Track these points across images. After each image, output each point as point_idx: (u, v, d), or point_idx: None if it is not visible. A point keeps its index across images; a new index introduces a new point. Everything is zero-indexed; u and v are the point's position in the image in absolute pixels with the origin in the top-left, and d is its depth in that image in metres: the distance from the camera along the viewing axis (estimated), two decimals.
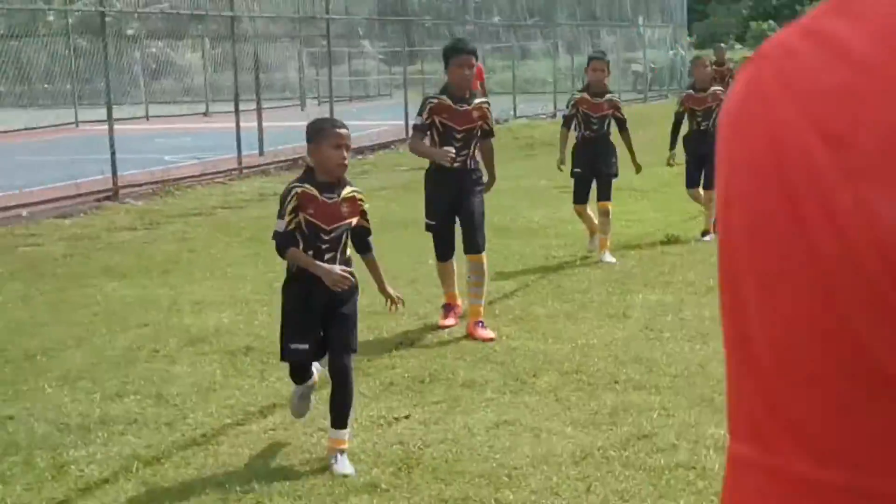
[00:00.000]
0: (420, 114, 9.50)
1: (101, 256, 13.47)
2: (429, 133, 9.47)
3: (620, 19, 39.08)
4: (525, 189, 18.07)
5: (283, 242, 6.49)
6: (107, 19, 19.23)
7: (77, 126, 33.03)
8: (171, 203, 17.90)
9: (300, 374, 6.74)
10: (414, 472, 6.30)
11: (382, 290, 6.94)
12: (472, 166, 9.59)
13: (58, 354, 9.05)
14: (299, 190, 6.48)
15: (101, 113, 32.31)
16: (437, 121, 9.35)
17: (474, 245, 9.52)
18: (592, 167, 12.34)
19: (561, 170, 12.74)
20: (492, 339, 9.00)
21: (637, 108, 32.45)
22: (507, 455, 6.54)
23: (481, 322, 9.23)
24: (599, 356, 8.39)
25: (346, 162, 6.51)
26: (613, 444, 6.62)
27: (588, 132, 12.42)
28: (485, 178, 9.80)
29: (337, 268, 6.39)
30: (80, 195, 17.69)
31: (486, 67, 28.32)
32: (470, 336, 9.12)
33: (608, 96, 12.50)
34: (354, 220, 6.63)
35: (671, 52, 44.69)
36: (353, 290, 6.56)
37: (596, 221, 12.41)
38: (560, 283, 11.08)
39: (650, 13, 41.83)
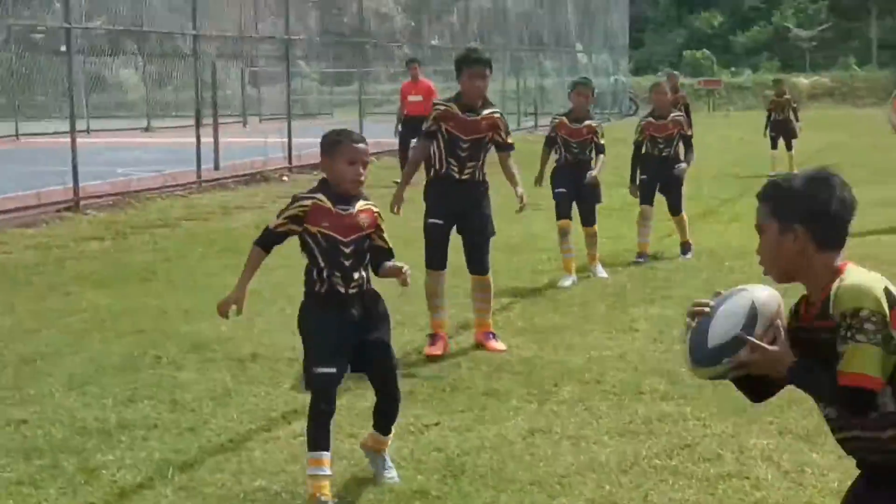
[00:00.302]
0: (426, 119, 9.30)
1: (74, 265, 13.22)
2: (435, 141, 8.98)
3: (563, 45, 39.28)
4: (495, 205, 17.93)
5: (265, 239, 6.10)
6: (41, 36, 19.00)
7: (18, 139, 32.55)
8: (133, 214, 17.63)
9: (326, 402, 5.91)
10: (461, 480, 6.16)
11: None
12: (480, 178, 9.12)
13: (56, 360, 8.82)
14: (309, 202, 5.96)
15: (43, 126, 32.33)
16: (443, 128, 8.94)
17: (480, 266, 9.17)
18: (574, 188, 12.07)
19: (536, 186, 12.35)
20: (503, 351, 8.89)
21: None
22: (552, 463, 6.43)
23: (492, 333, 9.10)
24: (617, 367, 8.31)
25: (363, 179, 6.03)
26: (657, 453, 6.52)
27: (569, 156, 12.22)
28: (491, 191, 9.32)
29: (232, 297, 5.99)
30: (40, 205, 17.36)
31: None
32: (481, 346, 9.00)
33: (587, 122, 12.21)
34: (371, 232, 6.09)
35: (612, 78, 45.05)
36: (385, 313, 6.17)
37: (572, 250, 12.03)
38: (555, 297, 11.02)
39: (594, 39, 42.14)
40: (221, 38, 27.52)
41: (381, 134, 26.94)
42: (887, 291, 3.40)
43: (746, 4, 75.11)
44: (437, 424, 7.10)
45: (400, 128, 22.22)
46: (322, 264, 5.98)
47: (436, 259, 9.11)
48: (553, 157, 12.41)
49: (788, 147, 23.54)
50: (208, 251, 14.09)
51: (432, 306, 9.10)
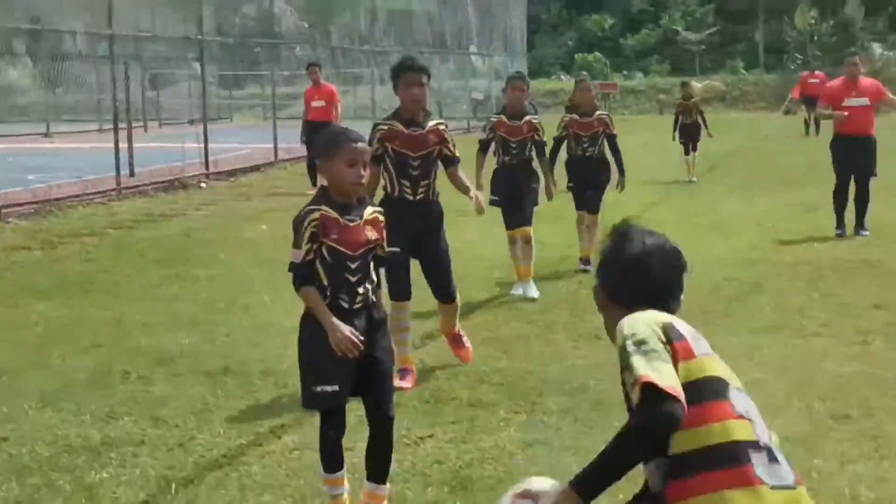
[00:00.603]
0: (370, 143, 8.72)
1: (10, 276, 12.93)
2: (382, 164, 8.40)
3: (464, 47, 39.36)
4: None
5: (303, 276, 5.53)
6: None
7: None
8: (56, 223, 17.33)
9: (335, 421, 5.64)
10: (471, 491, 6.15)
11: None
12: (434, 198, 8.55)
13: (21, 375, 8.63)
14: (317, 214, 5.52)
15: None
16: (389, 149, 8.35)
17: (446, 293, 8.66)
18: (512, 194, 11.58)
19: (471, 197, 11.65)
20: (468, 352, 8.84)
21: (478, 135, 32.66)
22: (558, 473, 6.42)
23: (461, 334, 8.92)
24: (595, 377, 8.31)
25: (364, 181, 5.64)
26: None
27: (507, 157, 11.74)
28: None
29: (347, 329, 5.45)
30: None
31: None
32: (451, 348, 8.92)
33: (527, 118, 11.66)
34: (378, 243, 5.76)
35: None
36: (388, 330, 5.85)
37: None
38: (514, 306, 11.04)
39: (493, 41, 42.33)
40: (125, 39, 27.03)
41: (288, 139, 26.80)
42: (666, 326, 3.43)
43: (635, 7, 76.00)
44: (430, 436, 7.06)
45: (302, 134, 21.93)
46: (325, 282, 5.55)
47: (401, 290, 8.46)
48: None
49: (694, 149, 23.78)
50: (143, 261, 13.88)
51: (399, 340, 8.13)
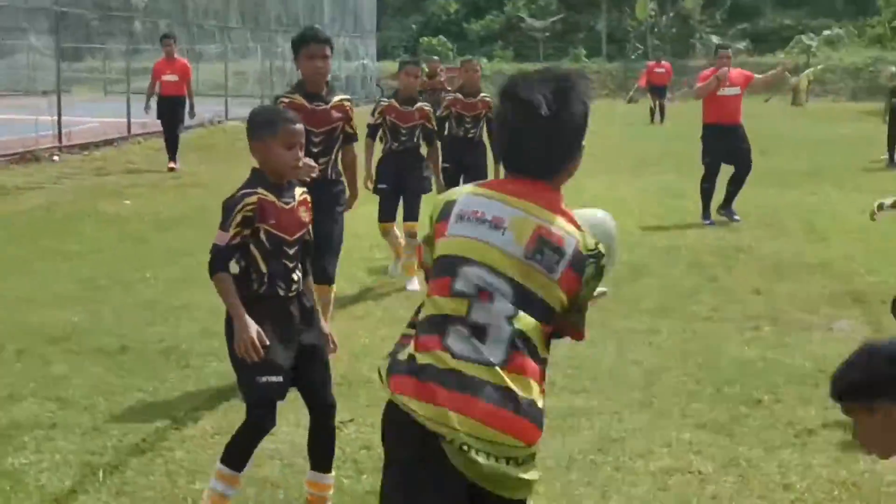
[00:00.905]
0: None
1: None
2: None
3: (294, 25, 38.46)
4: None
5: (221, 260, 5.25)
6: None
7: None
8: None
9: (268, 418, 5.33)
10: None
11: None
12: (334, 177, 8.29)
13: None
14: (254, 198, 5.28)
15: None
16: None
17: (325, 275, 8.06)
18: (399, 182, 11.18)
19: (368, 188, 10.98)
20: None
21: None
22: None
23: None
24: None
25: (301, 164, 5.52)
26: (587, 448, 6.55)
27: (395, 143, 11.21)
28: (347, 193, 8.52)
29: (255, 331, 5.13)
30: None
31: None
32: None
33: (419, 105, 11.25)
34: (308, 226, 5.61)
35: (359, 62, 45.00)
36: (319, 318, 5.68)
37: (402, 242, 11.31)
38: (410, 296, 10.93)
39: (344, 23, 42.03)
40: None
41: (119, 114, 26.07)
42: (446, 203, 3.57)
43: None
44: (351, 421, 6.94)
45: (153, 106, 21.22)
46: (263, 269, 5.33)
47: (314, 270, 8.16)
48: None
49: None
50: (7, 234, 13.37)
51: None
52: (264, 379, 5.24)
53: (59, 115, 22.68)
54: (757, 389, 7.73)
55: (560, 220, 3.45)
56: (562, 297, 3.45)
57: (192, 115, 21.43)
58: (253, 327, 5.13)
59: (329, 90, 8.19)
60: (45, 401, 7.21)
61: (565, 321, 3.56)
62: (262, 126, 5.47)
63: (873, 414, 3.14)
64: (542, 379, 3.46)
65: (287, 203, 5.43)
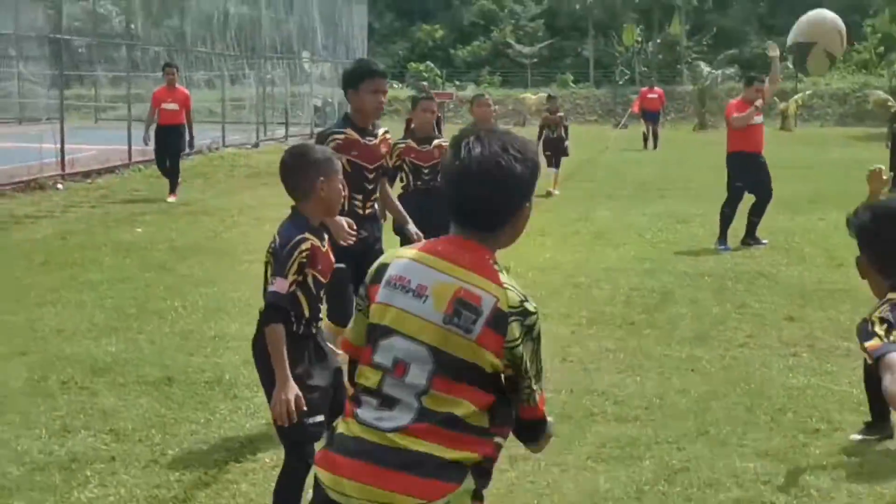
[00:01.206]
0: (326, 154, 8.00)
1: None
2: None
3: (288, 52, 38.36)
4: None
5: (282, 310, 5.18)
6: None
7: None
8: None
9: (313, 456, 5.08)
10: None
11: None
12: (378, 213, 8.20)
13: None
14: (308, 244, 5.26)
15: None
16: (344, 160, 7.91)
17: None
18: (424, 223, 9.56)
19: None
20: None
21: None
22: (558, 491, 6.33)
23: None
24: (548, 388, 8.25)
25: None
26: (654, 479, 6.51)
27: (419, 183, 10.39)
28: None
29: (293, 392, 5.09)
30: None
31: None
32: None
33: (437, 142, 10.49)
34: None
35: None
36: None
37: None
38: None
39: (336, 49, 41.95)
40: None
41: (115, 141, 25.86)
42: (378, 267, 3.57)
43: (466, 19, 76.61)
44: None
45: (152, 136, 20.88)
46: (307, 313, 5.33)
47: (339, 311, 7.49)
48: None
49: (557, 165, 23.63)
50: (30, 264, 13.26)
51: None
52: (311, 420, 5.25)
53: (63, 142, 22.55)
54: (811, 417, 7.69)
55: (481, 280, 3.38)
56: (489, 358, 3.35)
57: (191, 145, 21.27)
58: (293, 391, 5.10)
59: (374, 126, 7.93)
60: (99, 433, 7.13)
61: (515, 394, 3.45)
62: (324, 163, 5.46)
63: (860, 259, 4.21)
64: (467, 446, 3.35)
65: (324, 246, 5.45)
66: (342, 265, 6.81)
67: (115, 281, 12.23)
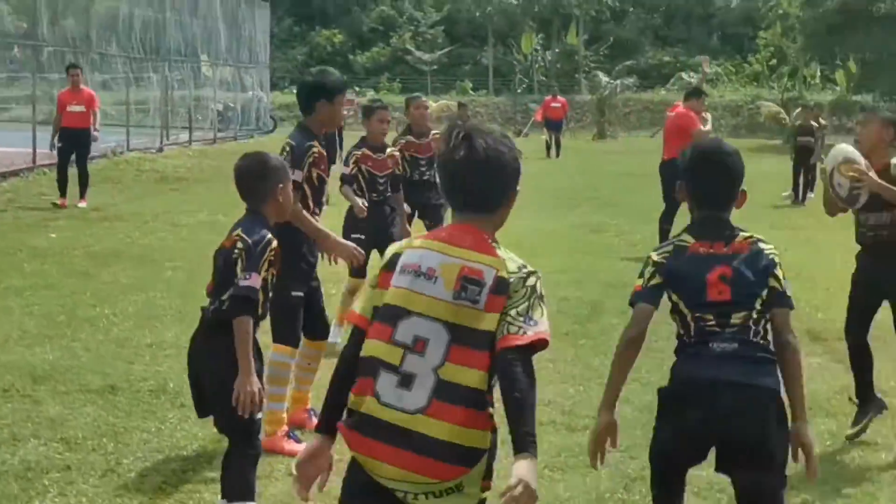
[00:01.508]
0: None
1: None
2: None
3: (192, 55, 37.84)
4: (212, 224, 17.44)
5: (254, 303, 5.36)
6: None
7: None
8: None
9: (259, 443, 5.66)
10: None
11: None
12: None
13: None
14: (275, 244, 5.52)
15: None
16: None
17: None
18: (376, 233, 10.02)
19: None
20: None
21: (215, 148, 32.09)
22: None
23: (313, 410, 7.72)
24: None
25: None
26: (613, 486, 6.60)
27: (373, 194, 10.27)
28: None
29: (257, 385, 5.31)
30: None
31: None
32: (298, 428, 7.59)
33: (389, 150, 10.51)
34: None
35: (252, 93, 44.59)
36: None
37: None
38: None
39: (239, 53, 41.63)
40: None
41: (18, 143, 25.20)
42: (392, 255, 3.89)
43: (366, 25, 76.51)
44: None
45: (57, 141, 20.11)
46: (260, 311, 5.53)
47: (288, 332, 7.39)
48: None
49: None
50: None
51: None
52: (260, 415, 5.53)
53: None
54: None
55: (480, 256, 3.77)
56: (496, 318, 3.71)
57: (94, 138, 20.58)
58: (258, 384, 5.35)
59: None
60: (49, 442, 7.03)
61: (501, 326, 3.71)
62: (282, 170, 5.86)
63: (679, 184, 4.99)
64: (472, 420, 3.63)
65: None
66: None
67: (39, 287, 12.02)
